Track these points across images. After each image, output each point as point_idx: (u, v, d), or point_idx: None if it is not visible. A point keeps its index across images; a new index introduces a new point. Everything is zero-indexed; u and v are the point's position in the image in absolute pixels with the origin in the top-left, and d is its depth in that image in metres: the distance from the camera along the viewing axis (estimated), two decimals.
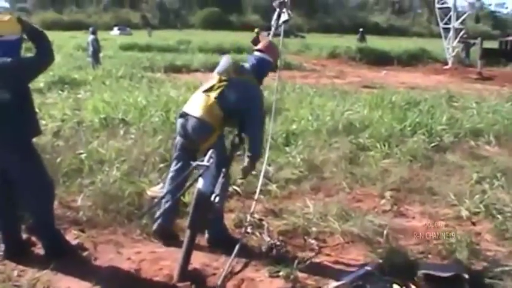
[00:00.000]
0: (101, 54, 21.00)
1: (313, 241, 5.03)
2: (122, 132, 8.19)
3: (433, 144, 8.60)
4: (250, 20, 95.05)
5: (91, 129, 8.49)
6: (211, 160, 4.09)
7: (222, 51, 28.80)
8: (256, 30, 27.59)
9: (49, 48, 4.21)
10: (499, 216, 5.66)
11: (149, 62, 22.67)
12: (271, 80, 5.35)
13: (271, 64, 4.88)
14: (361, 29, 43.99)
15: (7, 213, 4.43)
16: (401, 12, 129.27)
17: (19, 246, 4.39)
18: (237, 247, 4.48)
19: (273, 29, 4.96)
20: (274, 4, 4.94)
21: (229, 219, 5.35)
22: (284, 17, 4.89)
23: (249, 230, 5.10)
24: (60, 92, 12.57)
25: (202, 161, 4.11)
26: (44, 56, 4.20)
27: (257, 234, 5.13)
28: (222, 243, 4.82)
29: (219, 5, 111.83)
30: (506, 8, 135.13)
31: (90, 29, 21.65)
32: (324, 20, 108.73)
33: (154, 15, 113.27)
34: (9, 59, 4.01)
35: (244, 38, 38.18)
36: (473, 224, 5.68)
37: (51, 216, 4.42)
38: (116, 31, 68.48)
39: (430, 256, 4.82)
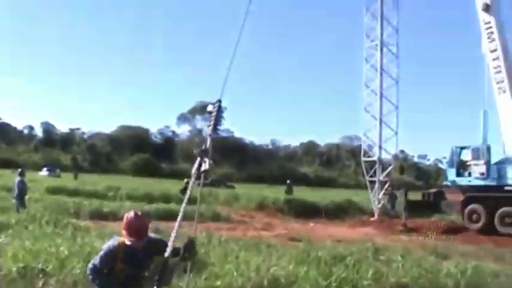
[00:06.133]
0: (26, 197, 20.48)
1: None
2: (40, 283, 7.88)
3: None
4: (182, 168, 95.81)
5: (7, 280, 8.11)
6: None
7: (151, 198, 28.88)
8: (186, 180, 28.07)
9: None
10: None
11: (76, 207, 22.38)
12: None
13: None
14: (288, 181, 45.12)
15: None
16: (329, 163, 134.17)
17: None
18: None
19: (193, 178, 4.99)
20: (195, 152, 5.03)
21: None
22: (205, 166, 4.93)
23: None
24: None
25: None
26: None
27: None
28: None
29: (151, 151, 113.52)
30: (429, 160, 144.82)
31: (19, 170, 21.45)
32: (255, 170, 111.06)
33: (85, 157, 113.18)
34: None
35: (174, 185, 38.43)
36: None
37: None
38: (44, 171, 67.85)
39: None
